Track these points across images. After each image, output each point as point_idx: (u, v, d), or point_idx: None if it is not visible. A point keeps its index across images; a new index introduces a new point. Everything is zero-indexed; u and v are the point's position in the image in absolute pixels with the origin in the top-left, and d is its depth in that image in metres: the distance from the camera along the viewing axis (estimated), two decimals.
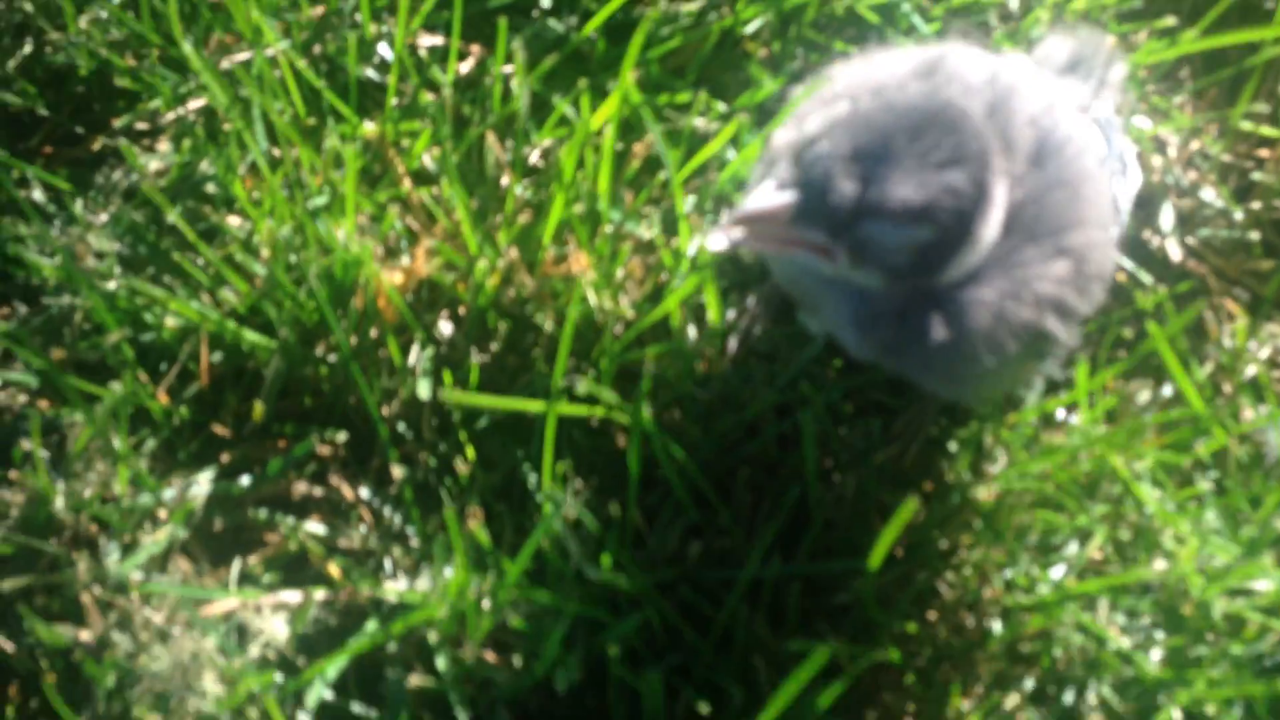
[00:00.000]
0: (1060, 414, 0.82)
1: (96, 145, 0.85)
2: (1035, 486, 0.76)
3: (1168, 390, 0.83)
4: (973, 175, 0.58)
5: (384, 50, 0.87)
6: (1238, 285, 0.90)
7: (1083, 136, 0.68)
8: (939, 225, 0.58)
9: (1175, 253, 0.87)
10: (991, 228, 0.61)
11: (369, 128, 0.84)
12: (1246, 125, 0.89)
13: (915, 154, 0.57)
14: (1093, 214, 0.66)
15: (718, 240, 0.60)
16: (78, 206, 0.81)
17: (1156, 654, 0.74)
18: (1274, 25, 0.75)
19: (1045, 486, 0.75)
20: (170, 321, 0.76)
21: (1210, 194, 0.89)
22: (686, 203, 0.83)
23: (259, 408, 0.74)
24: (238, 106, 0.79)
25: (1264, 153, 0.92)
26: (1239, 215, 0.89)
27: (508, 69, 0.88)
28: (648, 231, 0.82)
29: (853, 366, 0.81)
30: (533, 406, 0.66)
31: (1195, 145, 0.90)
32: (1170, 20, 0.86)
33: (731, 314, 0.82)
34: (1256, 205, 0.90)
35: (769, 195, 0.58)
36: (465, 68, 0.90)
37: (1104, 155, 0.70)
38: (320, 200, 0.78)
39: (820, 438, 0.78)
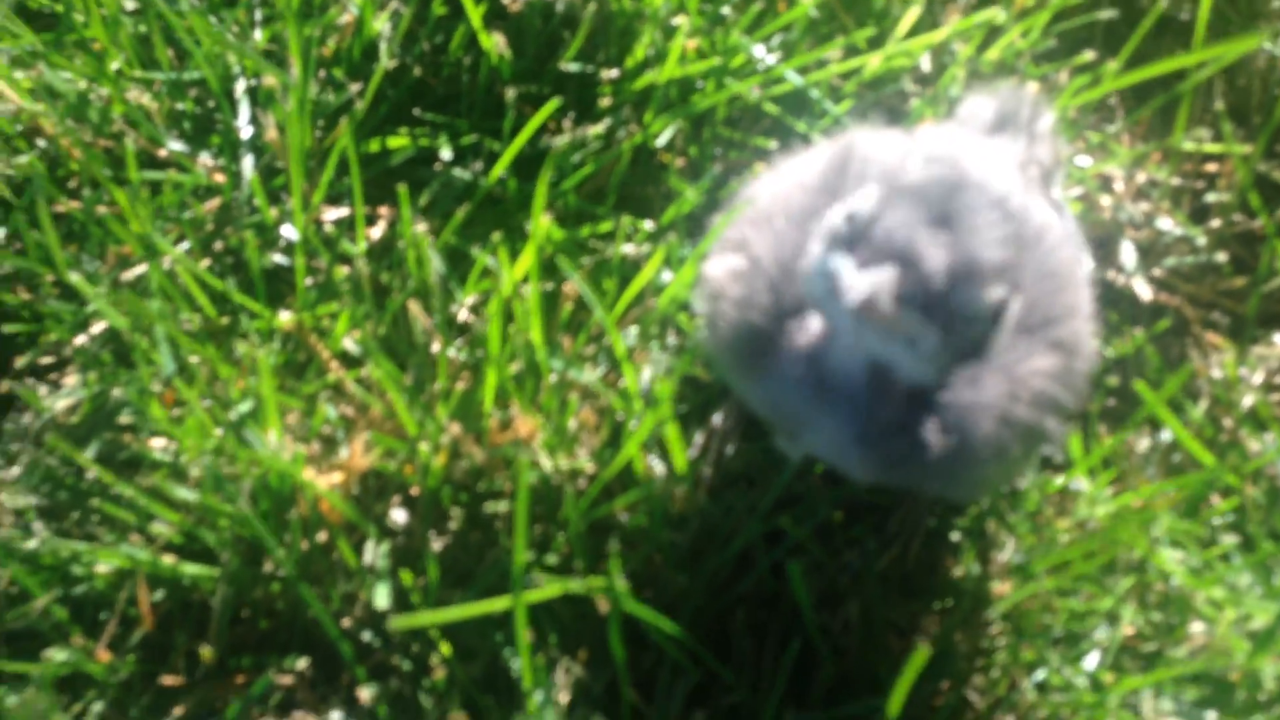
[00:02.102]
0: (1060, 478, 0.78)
1: (2, 389, 0.80)
2: (1052, 576, 0.71)
3: (1166, 434, 0.79)
4: (1013, 236, 0.56)
5: (288, 232, 0.83)
6: (1215, 309, 0.85)
7: (1056, 223, 0.64)
8: (1011, 284, 0.55)
9: (1144, 291, 0.83)
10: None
11: (285, 318, 0.79)
12: (1189, 146, 0.85)
13: (969, 221, 0.55)
14: (1080, 304, 0.63)
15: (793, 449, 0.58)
16: None
17: None
18: (1194, 50, 0.72)
19: (1062, 576, 0.70)
20: (102, 568, 0.71)
21: (1167, 222, 0.85)
22: (628, 334, 0.79)
23: (207, 652, 0.69)
24: (142, 325, 0.75)
25: (1212, 167, 0.88)
26: (1201, 239, 0.85)
27: (422, 226, 0.84)
28: (593, 375, 0.77)
29: (834, 475, 0.76)
30: (497, 605, 0.60)
31: (1141, 176, 0.86)
32: (1089, 55, 0.83)
33: (700, 439, 0.77)
34: (1216, 224, 0.86)
35: (862, 277, 0.53)
36: (377, 232, 0.86)
37: (1075, 241, 0.67)
38: (244, 407, 0.73)
39: (816, 565, 0.73)
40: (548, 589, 0.63)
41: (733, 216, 0.65)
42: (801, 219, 0.62)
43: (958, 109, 0.76)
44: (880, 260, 0.53)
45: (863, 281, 0.53)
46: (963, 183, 0.56)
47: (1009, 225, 0.55)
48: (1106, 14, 0.86)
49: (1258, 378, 0.81)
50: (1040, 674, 0.71)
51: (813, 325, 0.60)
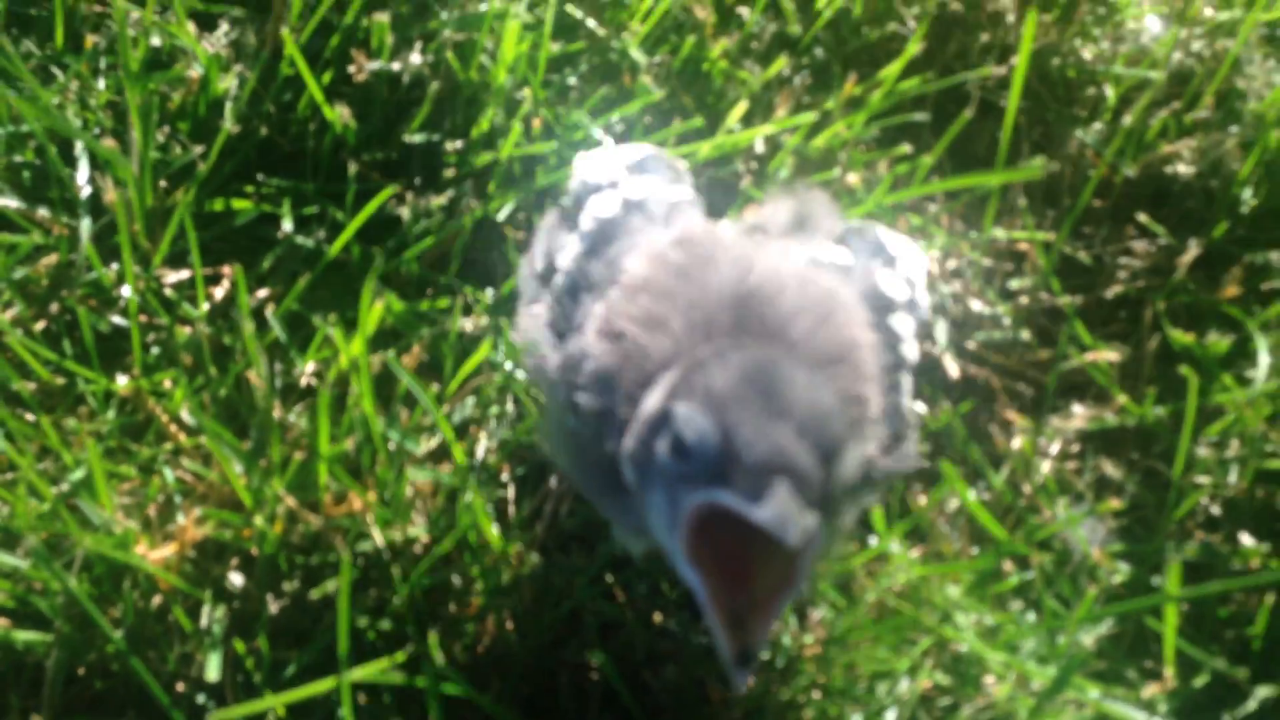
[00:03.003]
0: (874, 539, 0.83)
1: None
2: (857, 640, 0.76)
3: (973, 495, 0.85)
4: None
5: (128, 293, 0.83)
6: (1020, 380, 0.92)
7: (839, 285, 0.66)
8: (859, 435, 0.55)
9: (953, 369, 0.89)
10: None
11: (122, 383, 0.79)
12: (999, 233, 0.91)
13: (803, 408, 0.52)
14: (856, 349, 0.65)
15: (743, 678, 0.51)
16: None
17: None
18: (996, 169, 0.78)
19: (865, 640, 0.75)
20: None
21: (977, 303, 0.91)
22: (465, 406, 0.81)
23: (41, 717, 0.69)
24: None
25: (1022, 246, 0.95)
26: (1007, 318, 0.91)
27: (264, 292, 0.86)
28: (431, 443, 0.80)
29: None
30: (322, 687, 0.63)
31: (953, 261, 0.92)
32: (906, 148, 0.88)
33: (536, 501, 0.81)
34: (1024, 301, 0.93)
35: (759, 510, 0.48)
36: (220, 292, 0.87)
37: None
38: (77, 475, 0.74)
39: (640, 630, 0.77)
40: (373, 666, 0.65)
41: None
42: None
43: (759, 211, 0.79)
44: (759, 483, 0.49)
45: (773, 511, 0.48)
46: (769, 367, 0.54)
47: (827, 385, 0.55)
48: (921, 116, 0.91)
49: (1054, 448, 0.88)
50: None
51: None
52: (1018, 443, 0.87)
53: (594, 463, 0.60)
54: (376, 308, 0.71)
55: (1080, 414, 0.89)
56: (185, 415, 0.79)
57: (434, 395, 0.79)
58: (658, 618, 0.79)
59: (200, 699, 0.74)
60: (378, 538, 0.73)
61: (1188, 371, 0.78)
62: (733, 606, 0.50)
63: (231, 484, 0.75)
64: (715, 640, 0.51)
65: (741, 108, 0.88)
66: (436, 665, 0.63)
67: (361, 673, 0.65)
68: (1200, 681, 0.77)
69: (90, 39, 0.92)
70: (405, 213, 0.86)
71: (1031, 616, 0.80)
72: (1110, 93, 0.97)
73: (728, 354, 0.55)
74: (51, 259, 0.84)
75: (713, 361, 0.54)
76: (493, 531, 0.75)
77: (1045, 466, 0.86)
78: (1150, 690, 0.74)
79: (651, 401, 0.55)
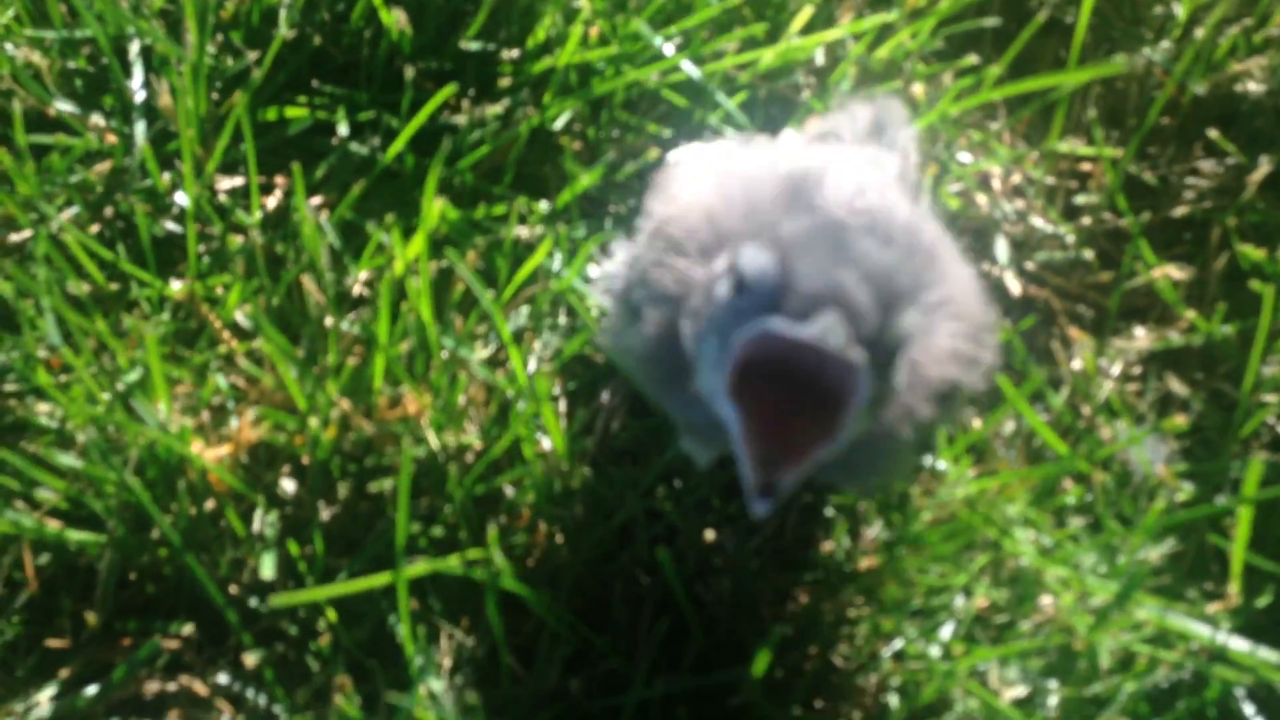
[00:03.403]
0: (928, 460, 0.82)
1: None
2: (912, 554, 0.75)
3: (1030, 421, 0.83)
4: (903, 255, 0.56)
5: (181, 199, 0.83)
6: (1081, 302, 0.90)
7: (914, 213, 0.67)
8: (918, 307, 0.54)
9: (1014, 285, 0.87)
10: None
11: (176, 287, 0.79)
12: (1065, 148, 0.89)
13: (869, 257, 0.53)
14: (952, 269, 0.64)
15: (762, 507, 0.51)
16: None
17: (1054, 701, 0.73)
18: (1069, 69, 0.76)
19: (922, 554, 0.74)
20: None
21: (1039, 220, 0.89)
22: (520, 315, 0.80)
23: (93, 616, 0.70)
24: (27, 292, 0.74)
25: (1086, 167, 0.93)
26: (1070, 237, 0.89)
27: (318, 200, 0.85)
28: (483, 354, 0.79)
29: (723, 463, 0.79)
30: (378, 581, 0.62)
31: (1017, 175, 0.90)
32: (973, 59, 0.86)
33: (588, 416, 0.80)
34: (1086, 221, 0.91)
35: (803, 327, 0.49)
36: (273, 202, 0.86)
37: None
38: (132, 376, 0.74)
39: (692, 542, 0.76)
40: (428, 565, 0.65)
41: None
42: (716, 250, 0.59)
43: (831, 117, 0.79)
44: (811, 309, 0.49)
45: (817, 327, 0.48)
46: (846, 229, 0.55)
47: (896, 249, 0.55)
48: (991, 21, 0.89)
49: (1116, 369, 0.86)
50: (898, 644, 0.75)
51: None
52: (1078, 364, 0.86)
53: (664, 359, 0.60)
54: (436, 205, 0.70)
55: (1143, 335, 0.87)
56: (241, 319, 0.79)
57: (490, 300, 0.78)
58: (709, 535, 0.78)
59: (253, 602, 0.74)
60: (432, 440, 0.73)
61: (1259, 286, 0.75)
62: (767, 447, 0.50)
63: (287, 388, 0.74)
64: (741, 472, 0.50)
65: (806, 13, 0.86)
66: (495, 563, 0.63)
67: (418, 569, 0.65)
68: (1263, 601, 0.76)
69: None
70: (460, 120, 0.85)
71: (1089, 538, 0.79)
72: (1179, 9, 0.94)
73: (799, 215, 0.55)
74: (105, 165, 0.84)
75: (783, 219, 0.54)
76: (555, 434, 0.74)
77: (1107, 387, 0.84)
78: (1214, 607, 0.73)
79: (719, 262, 0.55)
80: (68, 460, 0.72)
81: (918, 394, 0.60)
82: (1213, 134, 0.91)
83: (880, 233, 0.58)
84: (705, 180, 0.66)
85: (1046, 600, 0.76)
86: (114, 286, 0.81)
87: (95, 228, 0.82)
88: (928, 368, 0.60)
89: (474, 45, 0.88)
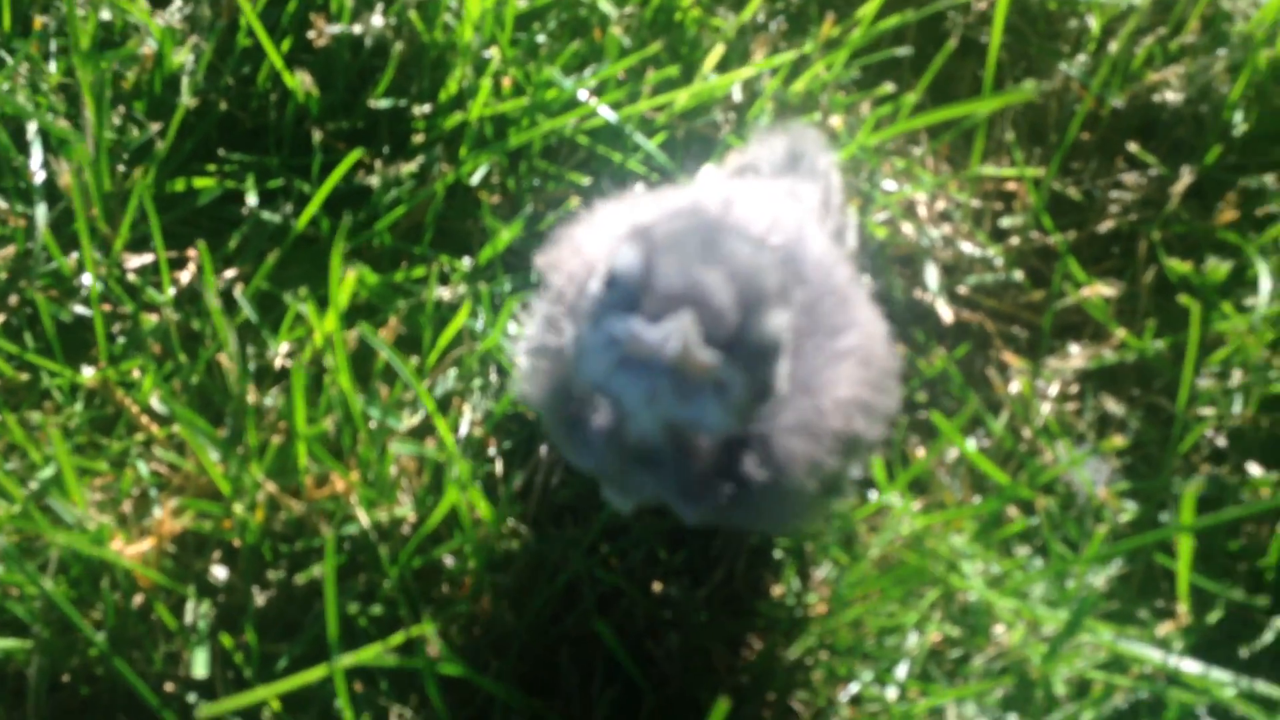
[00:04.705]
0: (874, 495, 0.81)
1: None
2: (862, 598, 0.74)
3: (973, 443, 0.83)
4: (778, 262, 0.56)
5: (88, 281, 0.80)
6: (1014, 323, 0.90)
7: (832, 250, 0.66)
8: (792, 308, 0.56)
9: (946, 313, 0.87)
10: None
11: (88, 375, 0.77)
12: (988, 170, 0.89)
13: (734, 257, 0.53)
14: (862, 314, 0.65)
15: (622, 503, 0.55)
16: None
17: None
18: (984, 95, 0.75)
19: (871, 596, 0.73)
20: None
21: (967, 244, 0.89)
22: (447, 378, 0.79)
23: None
24: None
25: (1011, 186, 0.92)
26: (999, 259, 0.89)
27: (231, 272, 0.83)
28: (413, 420, 0.77)
29: (659, 508, 0.78)
30: (314, 675, 0.60)
31: (942, 201, 0.90)
32: (889, 87, 0.86)
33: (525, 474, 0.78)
34: (1014, 242, 0.90)
35: (650, 330, 0.51)
36: (186, 276, 0.84)
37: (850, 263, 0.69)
38: (47, 473, 0.71)
39: (639, 601, 0.75)
40: (366, 651, 0.63)
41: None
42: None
43: (749, 150, 0.78)
44: (667, 310, 0.51)
45: (663, 331, 0.50)
46: (717, 224, 0.56)
47: (771, 255, 0.55)
48: (904, 51, 0.88)
49: (1053, 389, 0.86)
50: (854, 688, 0.74)
51: (601, 405, 0.59)
52: (1016, 386, 0.85)
53: (558, 408, 0.61)
54: (349, 279, 0.68)
55: (1077, 354, 0.87)
56: (156, 404, 0.76)
57: (414, 368, 0.76)
58: (657, 586, 0.77)
59: (190, 698, 0.71)
60: (363, 518, 0.71)
61: (1188, 300, 0.75)
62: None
63: (208, 472, 0.72)
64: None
65: (718, 52, 0.85)
66: (431, 648, 0.61)
67: (355, 658, 0.62)
68: (1214, 617, 0.76)
69: (39, 20, 0.88)
70: (375, 181, 0.83)
71: (1039, 562, 0.78)
72: (1094, 23, 0.94)
73: (678, 220, 0.56)
74: (8, 250, 0.81)
75: (664, 223, 0.55)
76: (485, 504, 0.72)
77: (1045, 409, 0.84)
78: (1165, 628, 0.72)
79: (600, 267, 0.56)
80: None
81: (824, 446, 0.61)
82: (1133, 147, 0.91)
83: (791, 269, 0.58)
84: (592, 228, 0.66)
85: (999, 629, 0.76)
86: (24, 377, 0.78)
87: (0, 318, 0.79)
88: (833, 418, 0.61)
89: (384, 103, 0.86)
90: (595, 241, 0.66)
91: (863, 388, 0.63)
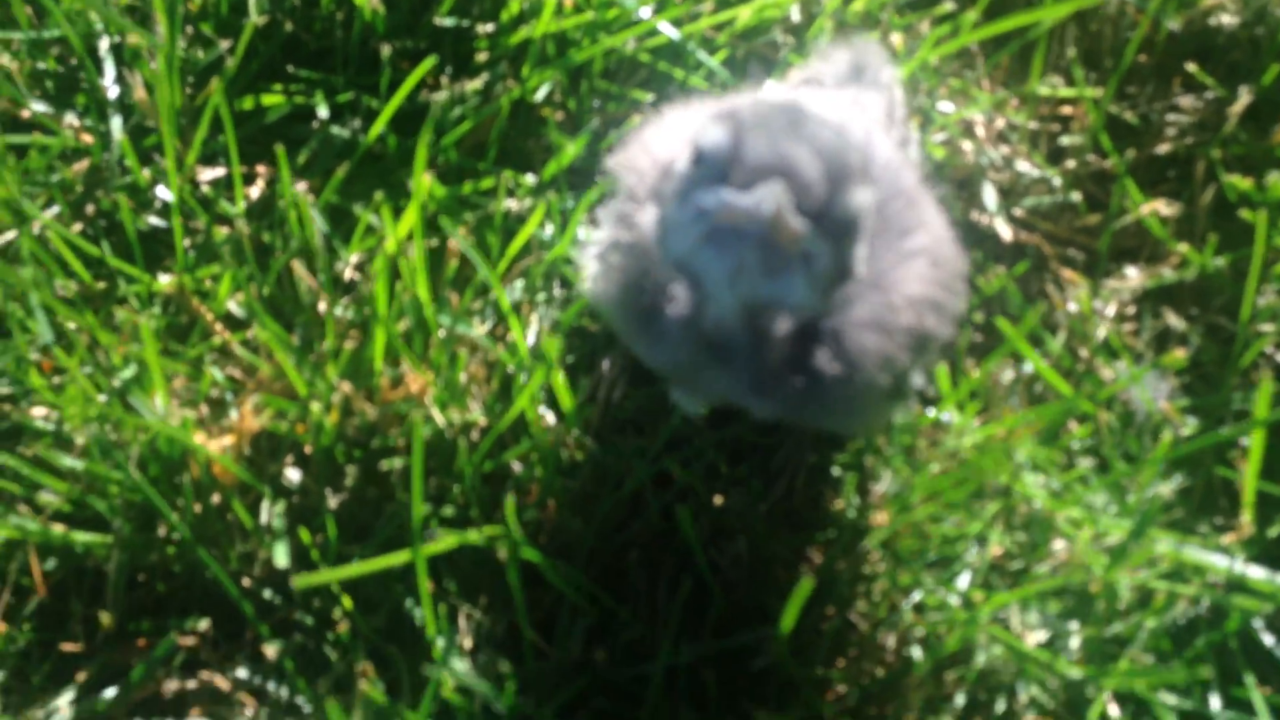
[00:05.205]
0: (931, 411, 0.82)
1: None
2: (924, 504, 0.75)
3: (1029, 367, 0.83)
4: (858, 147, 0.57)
5: (163, 193, 0.82)
6: (1071, 245, 0.90)
7: (896, 155, 0.67)
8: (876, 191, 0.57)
9: (1005, 231, 0.87)
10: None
11: (165, 281, 0.78)
12: (1045, 91, 0.89)
13: (818, 137, 0.55)
14: (930, 216, 0.66)
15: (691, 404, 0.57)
16: None
17: (1076, 642, 0.74)
18: (1045, 5, 0.75)
19: (934, 504, 0.74)
20: None
21: (1025, 164, 0.89)
22: (514, 289, 0.80)
23: (106, 618, 0.68)
24: (15, 294, 0.73)
25: (1067, 110, 0.93)
26: (1057, 180, 0.89)
27: (302, 185, 0.84)
28: (481, 329, 0.78)
29: (721, 416, 0.79)
30: (396, 559, 0.62)
31: (1000, 121, 0.90)
32: (948, 5, 0.86)
33: (588, 386, 0.79)
34: (1071, 164, 0.91)
35: (743, 196, 0.52)
36: (256, 191, 0.85)
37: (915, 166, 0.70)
38: (127, 373, 0.73)
39: (704, 506, 0.76)
40: (446, 541, 0.64)
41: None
42: None
43: (811, 65, 0.79)
44: (756, 180, 0.53)
45: (756, 197, 0.51)
46: (801, 110, 0.56)
47: (852, 139, 0.56)
48: None
49: (1110, 309, 0.86)
50: (916, 596, 0.75)
51: (679, 294, 0.59)
52: (1073, 306, 0.86)
53: (633, 302, 0.61)
54: (424, 182, 0.69)
55: (1135, 274, 0.87)
56: (234, 308, 0.77)
57: (487, 274, 0.78)
58: (718, 499, 0.78)
59: (267, 594, 0.73)
60: (438, 418, 0.72)
61: (1250, 215, 0.76)
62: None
63: (286, 374, 0.73)
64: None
65: None
66: (513, 535, 0.62)
67: (436, 547, 0.64)
68: (1276, 531, 0.76)
69: None
70: (440, 98, 0.84)
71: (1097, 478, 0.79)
72: None
73: (762, 102, 0.57)
74: (83, 164, 0.82)
75: (745, 106, 0.56)
76: (567, 398, 0.73)
77: (1103, 327, 0.85)
78: (1228, 539, 0.73)
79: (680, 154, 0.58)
80: (68, 461, 0.71)
81: (896, 341, 0.61)
82: (1191, 68, 0.91)
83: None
84: (659, 127, 0.68)
85: (1059, 544, 0.77)
86: (101, 284, 0.79)
87: (77, 226, 0.81)
88: (905, 314, 0.62)
89: (448, 21, 0.87)
90: (666, 140, 0.67)
91: (933, 286, 0.63)
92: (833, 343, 0.61)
